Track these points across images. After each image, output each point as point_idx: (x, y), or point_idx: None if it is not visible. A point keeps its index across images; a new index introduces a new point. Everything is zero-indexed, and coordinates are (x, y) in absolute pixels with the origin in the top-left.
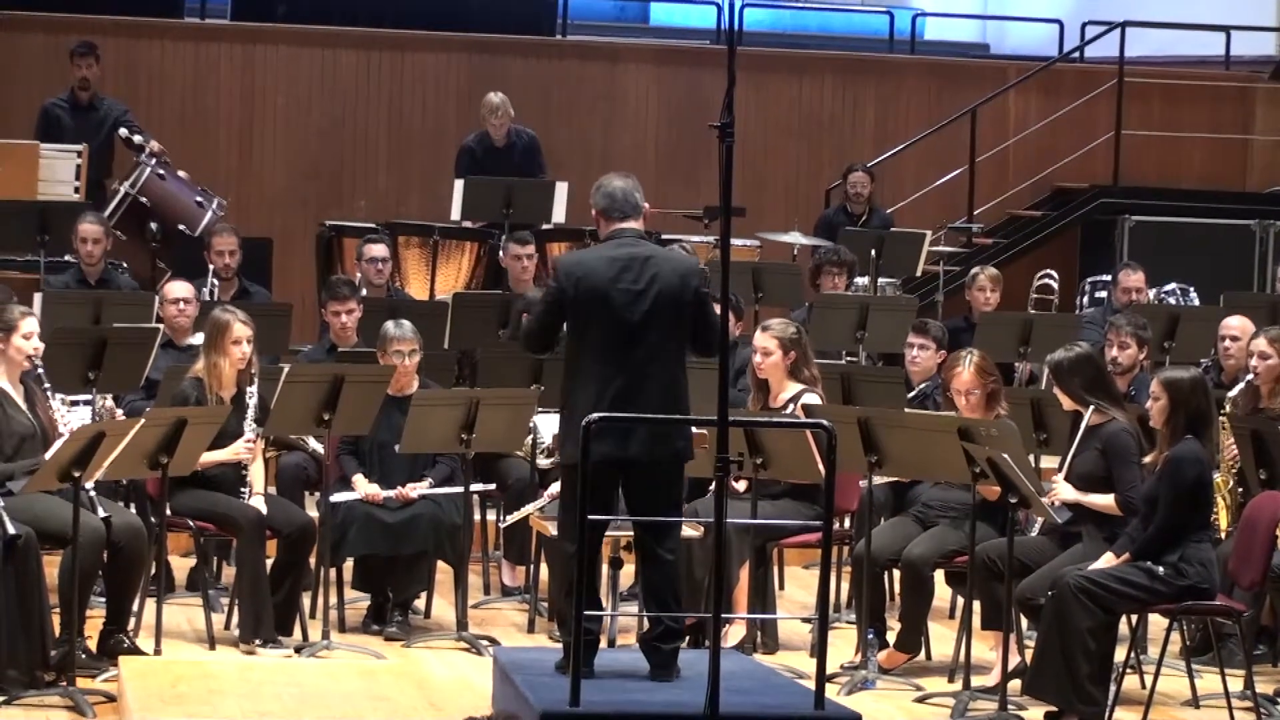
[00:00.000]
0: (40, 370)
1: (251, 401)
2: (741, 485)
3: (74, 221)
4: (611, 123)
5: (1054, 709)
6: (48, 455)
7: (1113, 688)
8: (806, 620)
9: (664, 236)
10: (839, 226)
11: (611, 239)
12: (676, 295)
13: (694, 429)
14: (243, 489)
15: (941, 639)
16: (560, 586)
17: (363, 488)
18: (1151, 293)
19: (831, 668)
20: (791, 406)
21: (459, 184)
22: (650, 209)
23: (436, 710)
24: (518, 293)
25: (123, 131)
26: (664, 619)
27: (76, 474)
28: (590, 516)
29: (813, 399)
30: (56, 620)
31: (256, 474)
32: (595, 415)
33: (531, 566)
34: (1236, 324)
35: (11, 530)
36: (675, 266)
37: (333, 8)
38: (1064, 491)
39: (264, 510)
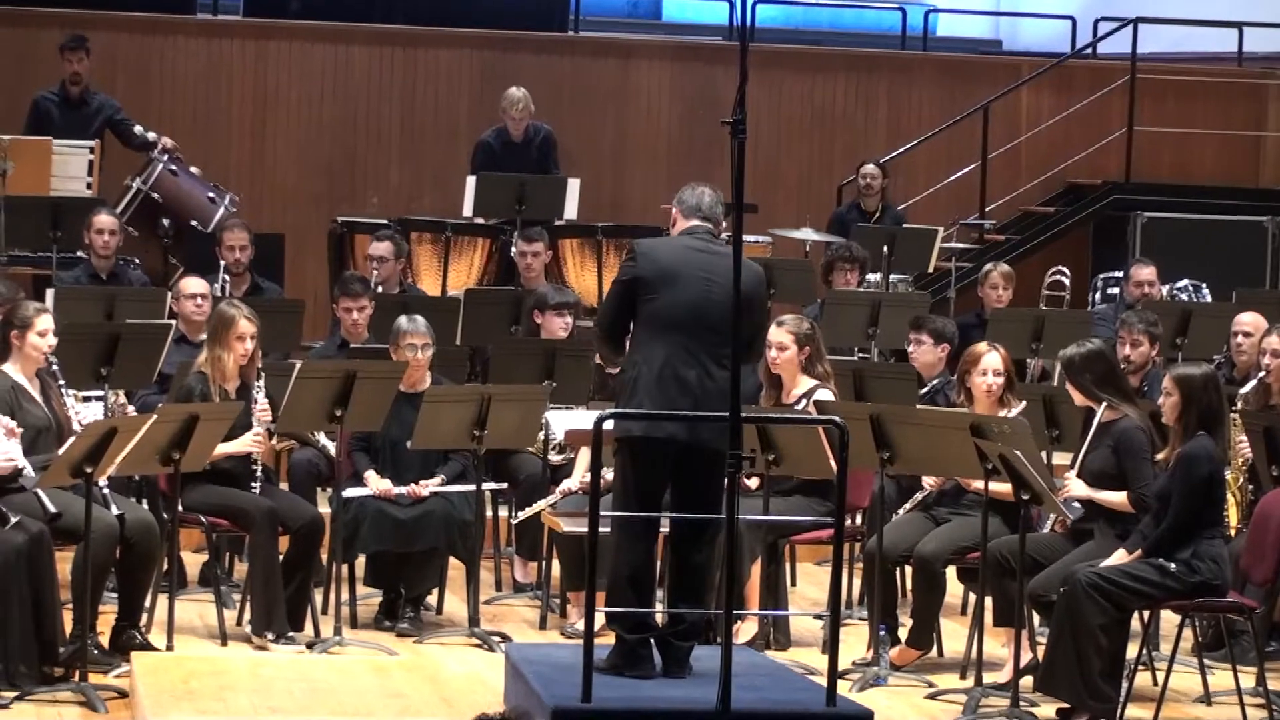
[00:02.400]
0: (55, 366)
1: (259, 395)
2: (753, 482)
3: (86, 217)
4: (624, 119)
5: (1066, 705)
6: (61, 451)
7: (1125, 684)
8: (818, 617)
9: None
10: (851, 223)
11: (686, 233)
12: (747, 296)
13: None
14: (253, 484)
15: (953, 635)
16: (619, 574)
17: (375, 484)
18: (1164, 289)
19: (843, 664)
20: (804, 402)
21: (471, 180)
22: (670, 210)
23: (448, 706)
24: (529, 289)
25: (138, 129)
26: (686, 618)
27: (89, 470)
28: (636, 514)
29: (826, 395)
30: (68, 616)
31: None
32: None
33: (543, 562)
34: (1249, 320)
35: (52, 509)
36: (745, 271)
37: (345, 4)
38: (1076, 488)
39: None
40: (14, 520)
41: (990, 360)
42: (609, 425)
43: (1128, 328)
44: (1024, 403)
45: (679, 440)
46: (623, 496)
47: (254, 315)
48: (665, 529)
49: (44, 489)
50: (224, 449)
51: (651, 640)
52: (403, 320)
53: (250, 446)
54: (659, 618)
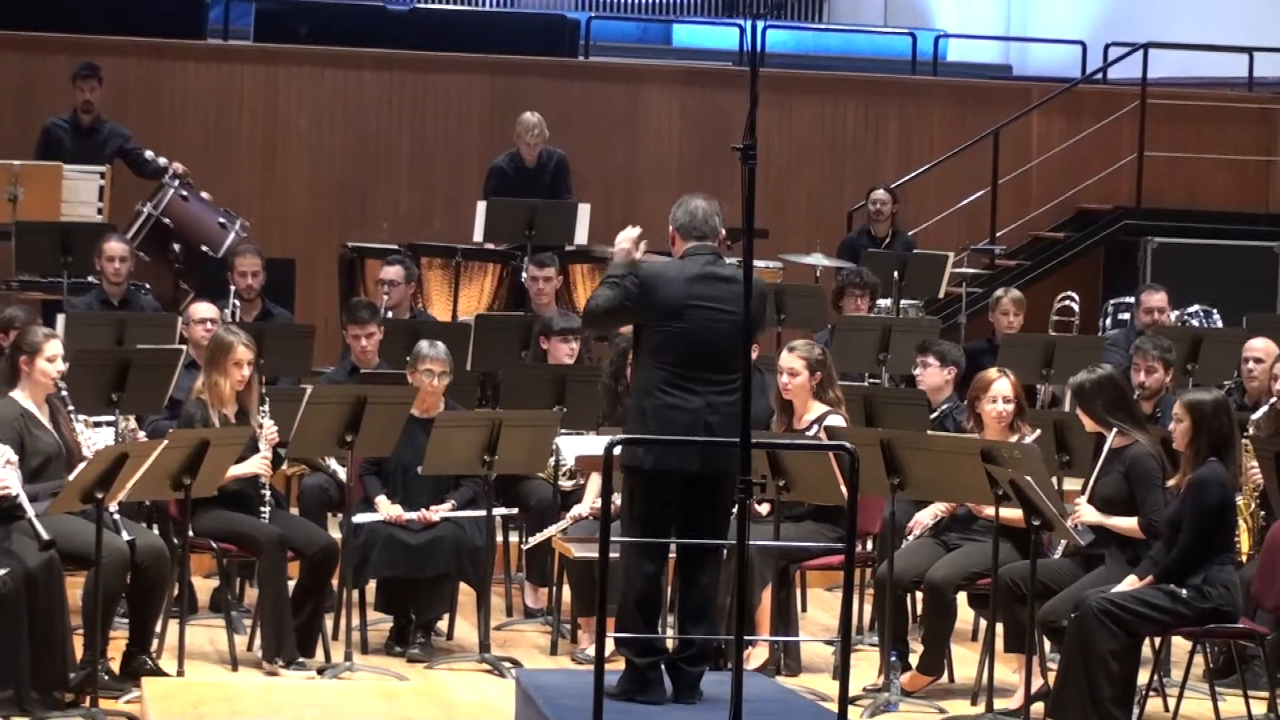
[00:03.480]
0: (64, 391)
1: (265, 421)
2: (764, 509)
3: (97, 242)
4: (634, 144)
5: None
6: (71, 477)
7: (1136, 710)
8: (829, 642)
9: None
10: (862, 248)
11: (689, 256)
12: (753, 320)
13: None
14: (263, 509)
15: (964, 661)
16: (628, 599)
17: (385, 509)
18: (1174, 314)
19: (854, 690)
20: (815, 428)
21: (481, 205)
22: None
23: None
24: (540, 315)
25: (149, 155)
26: (696, 643)
27: (99, 495)
28: (645, 539)
29: (837, 421)
30: (79, 642)
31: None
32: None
33: (554, 588)
34: (1260, 346)
35: (46, 537)
36: (753, 290)
37: (355, 29)
38: (1087, 514)
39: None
40: (2, 573)
41: (1000, 387)
42: (617, 452)
43: (1142, 354)
44: (1038, 431)
45: (688, 471)
46: (629, 523)
47: (251, 342)
48: (674, 554)
49: (52, 513)
50: (232, 471)
51: (662, 666)
52: (424, 345)
53: (259, 468)
54: (669, 643)
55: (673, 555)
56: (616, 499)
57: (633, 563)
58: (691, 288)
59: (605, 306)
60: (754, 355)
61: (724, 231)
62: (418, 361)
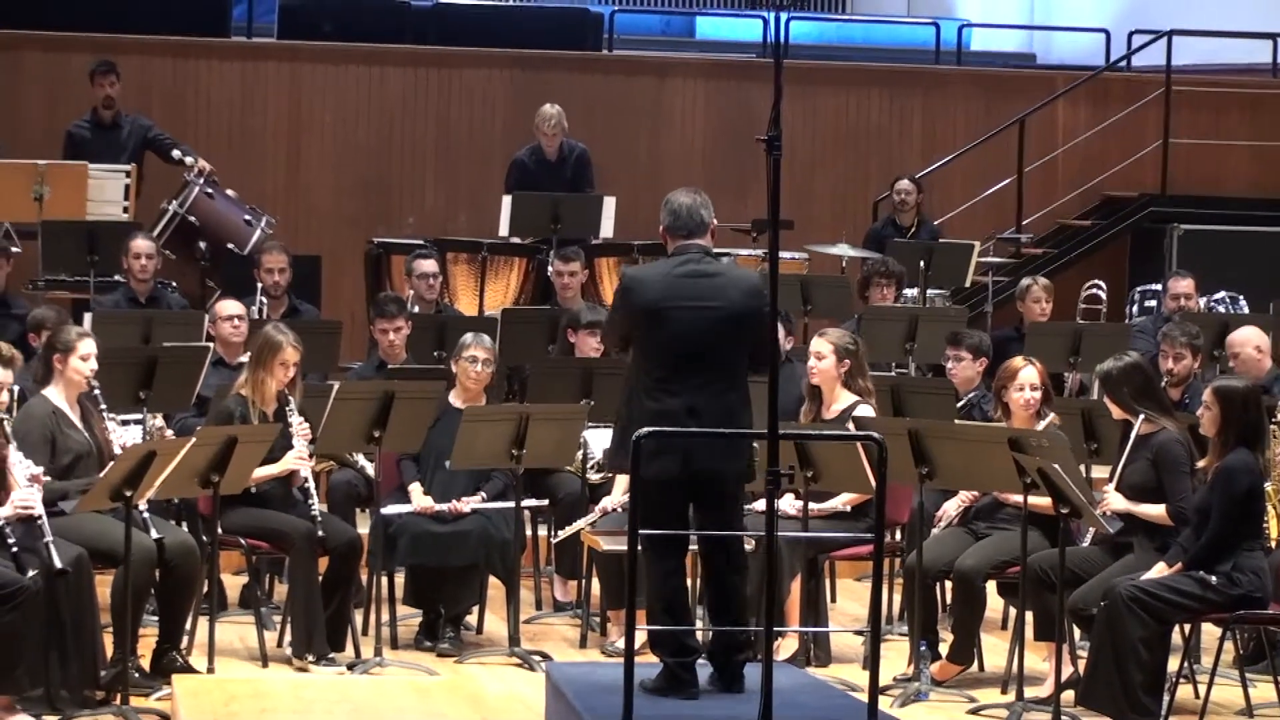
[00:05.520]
0: (96, 390)
1: (295, 419)
2: (793, 509)
3: (123, 241)
4: (658, 137)
5: (1107, 719)
6: (100, 475)
7: (1166, 698)
8: (859, 633)
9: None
10: (887, 238)
11: (676, 255)
12: (740, 314)
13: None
14: (310, 501)
15: (994, 650)
16: (651, 598)
17: (417, 500)
18: (1201, 301)
19: (884, 680)
20: (845, 419)
21: (507, 199)
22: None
23: None
24: (565, 308)
25: (175, 153)
26: (727, 634)
27: (128, 493)
28: (666, 532)
29: (867, 411)
30: (109, 640)
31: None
32: (645, 431)
33: (583, 581)
34: (1239, 338)
35: (59, 565)
36: (740, 284)
37: (378, 25)
38: (1115, 501)
39: (319, 518)
40: (32, 573)
41: (1027, 375)
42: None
43: (1170, 340)
44: (1052, 414)
45: (674, 476)
46: (642, 524)
47: (299, 343)
48: (694, 546)
49: (80, 511)
50: (268, 470)
51: (700, 661)
52: (469, 335)
53: (294, 465)
54: (701, 638)
55: (694, 548)
56: None
57: (652, 560)
58: (672, 287)
59: (610, 319)
60: (790, 345)
61: (714, 223)
62: (462, 350)
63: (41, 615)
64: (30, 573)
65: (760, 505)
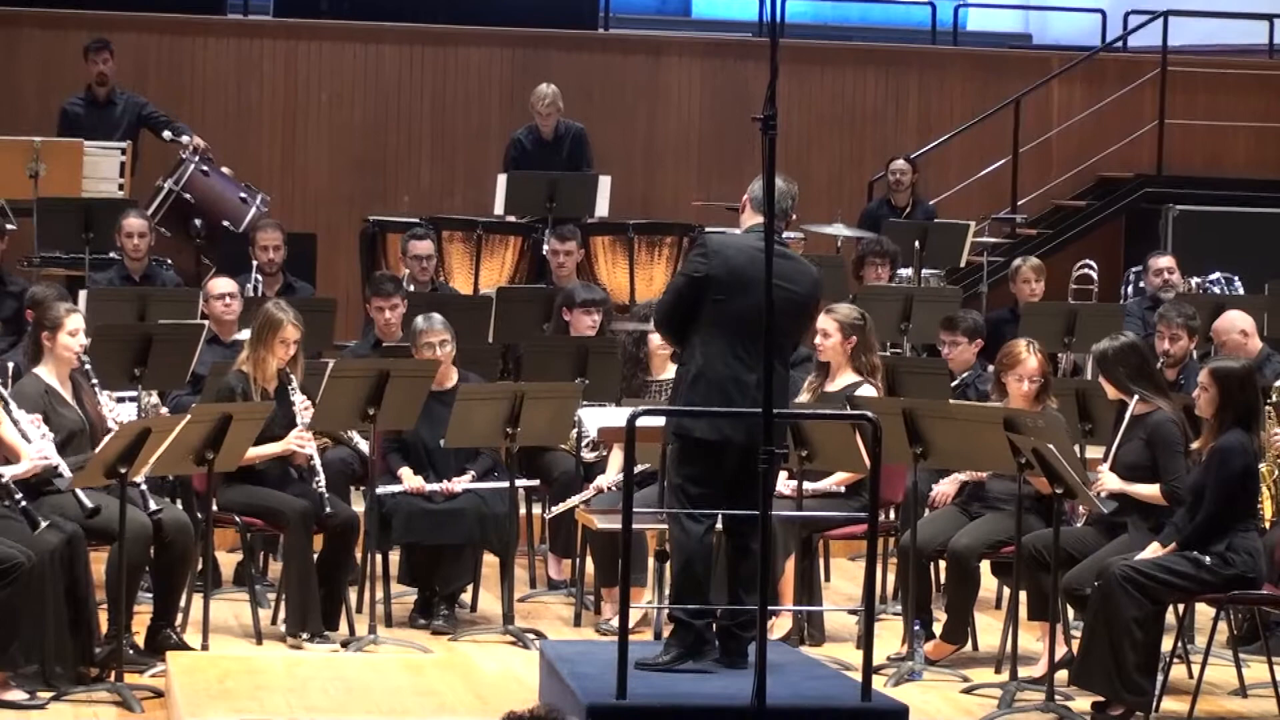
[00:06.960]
0: (88, 366)
1: (296, 398)
2: (787, 489)
3: (118, 218)
4: (654, 116)
5: (1101, 699)
6: (95, 451)
7: (1160, 677)
8: (853, 612)
9: (707, 230)
10: (882, 218)
11: (752, 231)
12: (803, 301)
13: None
14: (317, 479)
15: (988, 630)
16: (680, 560)
17: (409, 480)
18: (1195, 281)
19: (878, 659)
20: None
21: (502, 178)
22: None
23: (483, 704)
24: (560, 287)
25: (167, 134)
26: (747, 610)
27: (123, 470)
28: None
29: (867, 391)
30: (104, 616)
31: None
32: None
33: (577, 559)
34: (1223, 325)
35: (89, 505)
36: (808, 274)
37: (375, 3)
38: (1109, 482)
39: (326, 495)
40: (44, 524)
41: (1029, 366)
42: (652, 421)
43: (1166, 322)
44: (1051, 402)
45: (737, 442)
46: (675, 487)
47: (300, 320)
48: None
49: (75, 488)
50: (272, 449)
51: (716, 632)
52: (419, 320)
53: (295, 444)
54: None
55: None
56: (638, 469)
57: (687, 523)
58: (754, 261)
59: (672, 295)
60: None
61: (794, 216)
62: (417, 338)
63: (36, 591)
64: (42, 524)
65: None
